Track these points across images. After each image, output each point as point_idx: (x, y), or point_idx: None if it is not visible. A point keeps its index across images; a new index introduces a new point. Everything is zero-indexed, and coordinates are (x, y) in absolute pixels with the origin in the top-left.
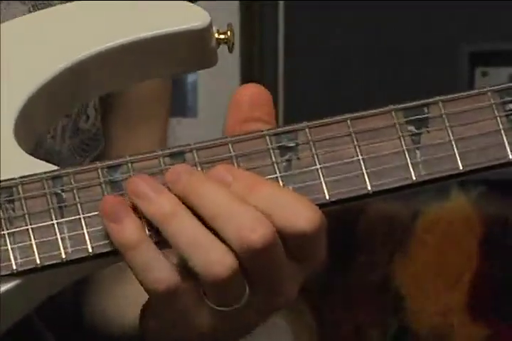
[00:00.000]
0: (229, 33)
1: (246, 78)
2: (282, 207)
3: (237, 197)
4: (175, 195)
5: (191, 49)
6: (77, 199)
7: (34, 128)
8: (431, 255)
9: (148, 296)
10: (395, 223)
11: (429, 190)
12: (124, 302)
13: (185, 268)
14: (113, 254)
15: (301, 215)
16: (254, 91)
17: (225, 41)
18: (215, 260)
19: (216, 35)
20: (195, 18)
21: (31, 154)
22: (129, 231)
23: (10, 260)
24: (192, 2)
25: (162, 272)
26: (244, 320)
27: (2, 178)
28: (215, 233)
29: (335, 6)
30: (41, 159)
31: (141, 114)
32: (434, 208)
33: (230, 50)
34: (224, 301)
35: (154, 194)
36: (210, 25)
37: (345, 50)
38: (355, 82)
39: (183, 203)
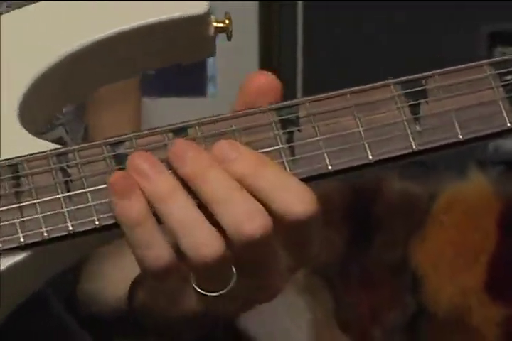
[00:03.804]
0: (227, 21)
1: None
2: (282, 192)
3: (239, 186)
4: (177, 174)
5: (189, 37)
6: (83, 173)
7: (39, 112)
8: (449, 235)
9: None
10: (412, 203)
11: (446, 169)
12: (117, 278)
13: (177, 250)
14: (118, 226)
15: (299, 201)
16: (263, 79)
17: (224, 29)
18: (203, 242)
19: (214, 24)
20: (194, 5)
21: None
22: (136, 208)
23: (17, 233)
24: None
25: (162, 250)
26: (229, 309)
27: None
28: (211, 217)
29: (353, 6)
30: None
31: (110, 98)
32: (452, 188)
33: (229, 38)
34: (210, 286)
35: (153, 173)
36: (208, 13)
37: (364, 49)
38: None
39: (185, 183)
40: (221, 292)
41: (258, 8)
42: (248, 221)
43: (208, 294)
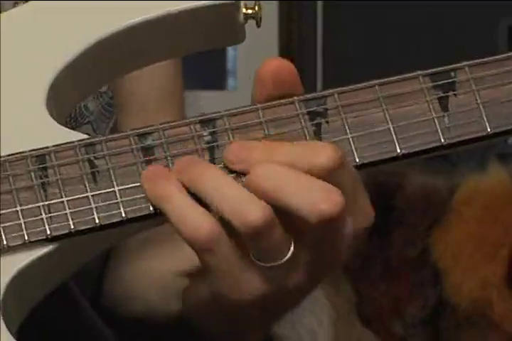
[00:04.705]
0: (256, 7)
1: None
2: (302, 153)
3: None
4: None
5: (219, 23)
6: (110, 165)
7: (65, 101)
8: (469, 228)
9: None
10: (432, 197)
11: (466, 163)
12: (148, 278)
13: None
14: (145, 219)
15: (319, 153)
16: (276, 66)
17: (253, 16)
18: (245, 209)
19: (244, 10)
20: None
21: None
22: (161, 183)
23: (44, 225)
24: None
25: (199, 220)
26: (293, 284)
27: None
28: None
29: (372, 5)
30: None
31: (157, 96)
32: (473, 181)
33: (258, 24)
34: (266, 256)
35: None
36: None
37: (383, 47)
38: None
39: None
40: (279, 262)
41: (278, 9)
42: (325, 200)
43: (265, 264)
